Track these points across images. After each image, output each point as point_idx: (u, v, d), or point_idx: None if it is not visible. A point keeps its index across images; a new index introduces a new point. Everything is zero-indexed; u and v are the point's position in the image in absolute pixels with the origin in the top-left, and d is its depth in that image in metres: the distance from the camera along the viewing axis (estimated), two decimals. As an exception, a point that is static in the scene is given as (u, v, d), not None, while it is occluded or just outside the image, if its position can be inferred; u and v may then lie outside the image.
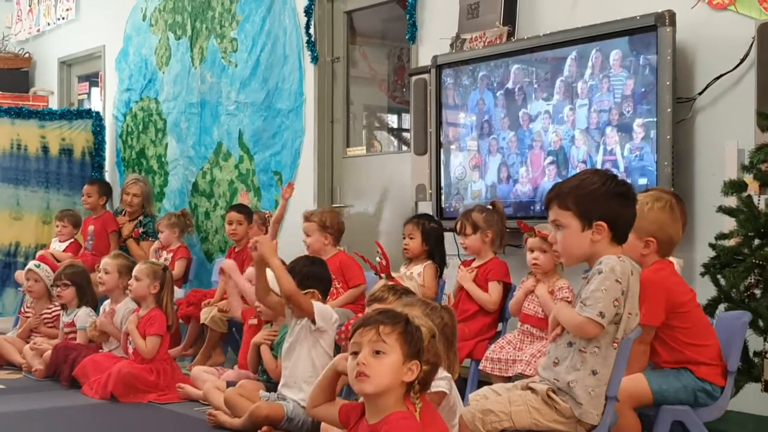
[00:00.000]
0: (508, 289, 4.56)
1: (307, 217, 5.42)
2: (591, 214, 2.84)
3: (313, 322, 4.08)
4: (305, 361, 4.12)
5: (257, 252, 3.99)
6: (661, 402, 3.13)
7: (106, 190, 7.36)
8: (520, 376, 3.89)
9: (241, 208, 6.28)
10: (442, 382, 2.99)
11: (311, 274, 4.25)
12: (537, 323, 4.18)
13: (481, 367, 4.24)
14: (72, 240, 7.21)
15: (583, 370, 2.82)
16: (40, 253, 7.10)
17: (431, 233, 4.93)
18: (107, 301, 5.55)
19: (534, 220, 4.63)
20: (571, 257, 2.92)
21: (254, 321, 4.81)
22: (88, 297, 5.73)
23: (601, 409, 2.83)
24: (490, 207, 4.64)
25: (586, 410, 2.81)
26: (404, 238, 5.00)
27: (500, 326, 4.57)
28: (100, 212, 7.23)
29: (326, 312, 4.14)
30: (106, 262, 5.51)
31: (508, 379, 4.05)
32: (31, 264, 6.29)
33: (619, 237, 2.89)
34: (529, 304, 4.27)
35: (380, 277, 4.13)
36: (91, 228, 7.18)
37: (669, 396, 3.12)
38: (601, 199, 2.85)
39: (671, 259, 3.71)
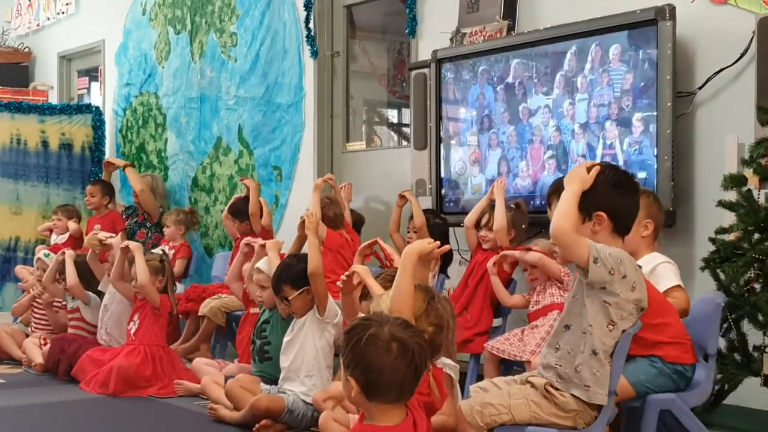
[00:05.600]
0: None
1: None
2: (590, 205, 2.82)
3: (321, 312, 4.15)
4: (309, 353, 4.19)
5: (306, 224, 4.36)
6: (642, 392, 3.10)
7: (108, 190, 7.35)
8: (521, 369, 3.89)
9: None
10: (452, 366, 3.03)
11: (303, 272, 4.18)
12: (533, 316, 4.26)
13: (489, 348, 4.21)
14: (70, 234, 7.20)
15: (586, 352, 2.79)
16: (39, 247, 7.09)
17: (435, 228, 4.93)
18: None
19: (534, 214, 4.64)
20: None
21: (255, 310, 4.81)
22: (93, 287, 5.76)
23: (606, 389, 2.79)
24: (514, 207, 4.61)
25: (594, 391, 2.78)
26: (408, 232, 5.04)
27: (498, 321, 4.58)
28: (105, 212, 7.23)
29: (333, 308, 4.20)
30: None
31: (510, 367, 4.05)
32: (40, 254, 6.28)
33: (620, 228, 2.89)
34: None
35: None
36: (97, 227, 7.17)
37: (648, 383, 3.09)
38: (598, 190, 2.83)
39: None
